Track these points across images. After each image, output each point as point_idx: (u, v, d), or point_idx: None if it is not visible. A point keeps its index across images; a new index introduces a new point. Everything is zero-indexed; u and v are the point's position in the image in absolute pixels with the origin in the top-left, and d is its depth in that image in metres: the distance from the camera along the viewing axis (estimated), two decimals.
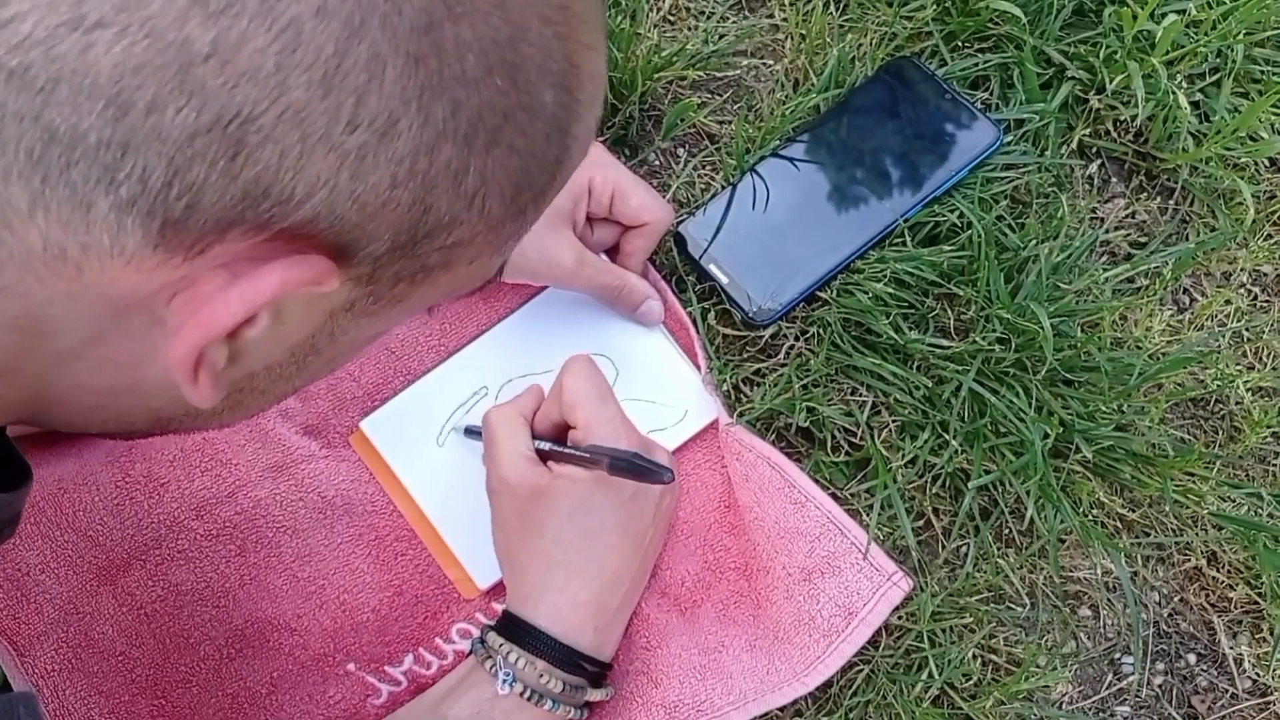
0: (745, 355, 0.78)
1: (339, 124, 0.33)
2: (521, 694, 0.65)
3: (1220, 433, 0.79)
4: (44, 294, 0.35)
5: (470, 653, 0.69)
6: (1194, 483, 0.76)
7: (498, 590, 0.75)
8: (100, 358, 0.39)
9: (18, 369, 0.39)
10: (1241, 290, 0.83)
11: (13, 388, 0.40)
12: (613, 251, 0.79)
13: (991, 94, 0.84)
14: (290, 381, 0.44)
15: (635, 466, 0.66)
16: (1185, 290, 0.83)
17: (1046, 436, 0.73)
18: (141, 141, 0.32)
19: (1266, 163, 0.85)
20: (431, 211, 0.37)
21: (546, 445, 0.70)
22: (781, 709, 0.71)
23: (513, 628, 0.68)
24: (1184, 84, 0.82)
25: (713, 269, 0.79)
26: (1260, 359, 0.81)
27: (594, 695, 0.69)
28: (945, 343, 0.75)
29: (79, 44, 0.31)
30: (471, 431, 0.76)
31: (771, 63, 0.86)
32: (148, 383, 0.40)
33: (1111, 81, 0.82)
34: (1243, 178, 0.82)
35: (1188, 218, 0.84)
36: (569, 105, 0.39)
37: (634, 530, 0.70)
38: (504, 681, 0.66)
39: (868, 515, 0.74)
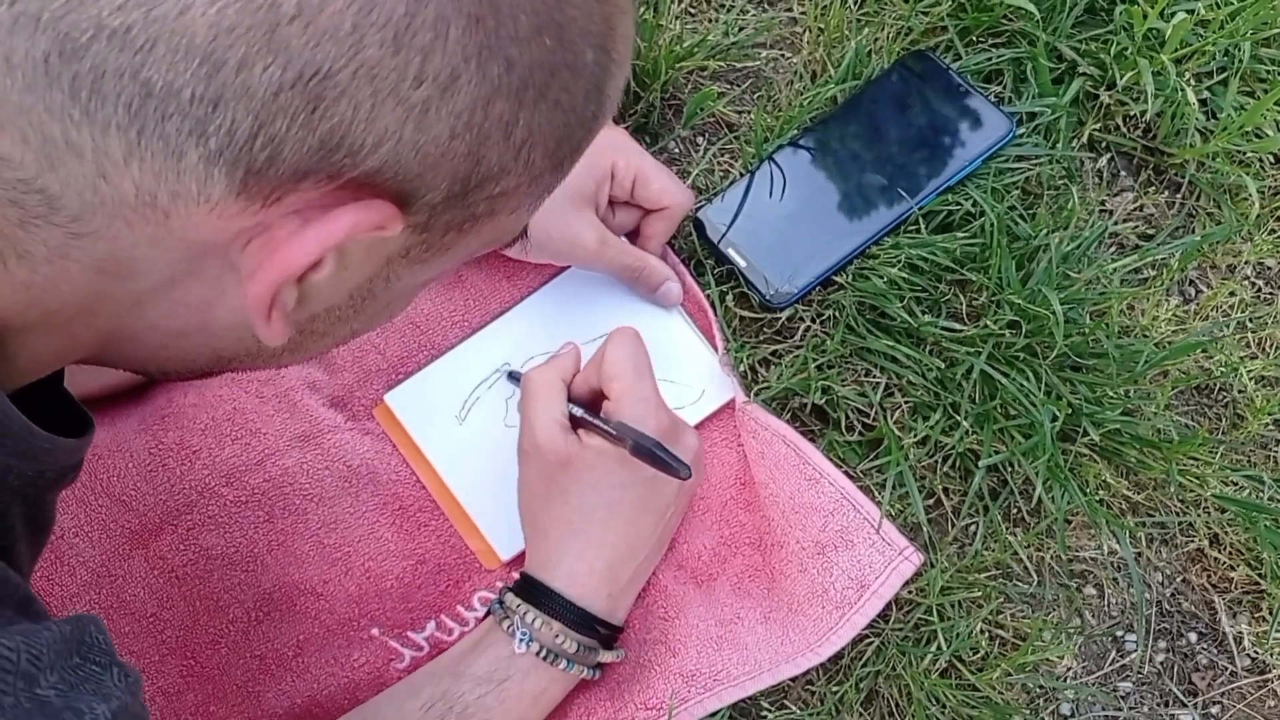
0: (762, 337, 0.80)
1: (407, 80, 0.35)
2: (538, 653, 0.67)
3: (1223, 419, 0.81)
4: (131, 239, 0.38)
5: (488, 613, 0.71)
6: (1197, 466, 0.78)
7: (519, 561, 0.76)
8: (174, 300, 0.41)
9: (96, 310, 0.41)
10: (1246, 282, 0.85)
11: (89, 328, 0.42)
12: (633, 234, 0.81)
13: (1004, 88, 0.86)
14: (348, 324, 0.47)
15: (655, 457, 0.67)
16: (1191, 281, 0.85)
17: (1055, 419, 0.75)
18: (231, 97, 0.34)
19: (1272, 158, 0.87)
20: (484, 162, 0.39)
21: (579, 412, 0.71)
22: (794, 679, 0.73)
23: (530, 589, 0.70)
24: (1192, 81, 0.85)
25: (731, 253, 0.81)
26: (1263, 349, 0.83)
27: (606, 656, 0.71)
28: (957, 326, 0.78)
29: (177, 6, 0.33)
30: (515, 376, 0.78)
31: (790, 55, 0.88)
32: (215, 324, 0.43)
33: (1122, 78, 0.84)
34: (1248, 173, 0.84)
35: (1194, 211, 0.86)
36: (605, 64, 0.41)
37: (654, 507, 0.72)
38: (521, 640, 0.67)
39: (880, 493, 0.76)
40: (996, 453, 0.76)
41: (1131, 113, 0.85)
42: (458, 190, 0.40)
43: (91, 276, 0.39)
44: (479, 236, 0.44)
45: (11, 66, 0.34)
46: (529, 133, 0.39)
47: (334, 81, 0.35)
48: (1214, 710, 0.76)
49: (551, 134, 0.40)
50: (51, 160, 0.36)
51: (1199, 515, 0.78)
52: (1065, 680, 0.76)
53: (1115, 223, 0.84)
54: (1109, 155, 0.86)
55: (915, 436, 0.77)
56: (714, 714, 0.72)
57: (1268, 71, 0.87)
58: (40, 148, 0.35)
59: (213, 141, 0.35)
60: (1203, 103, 0.86)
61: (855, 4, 0.88)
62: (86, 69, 0.34)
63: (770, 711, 0.73)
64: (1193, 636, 0.77)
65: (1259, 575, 0.77)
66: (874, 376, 0.78)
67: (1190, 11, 0.84)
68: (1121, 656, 0.76)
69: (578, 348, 0.76)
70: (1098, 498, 0.78)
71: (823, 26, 0.87)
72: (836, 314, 0.79)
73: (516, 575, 0.76)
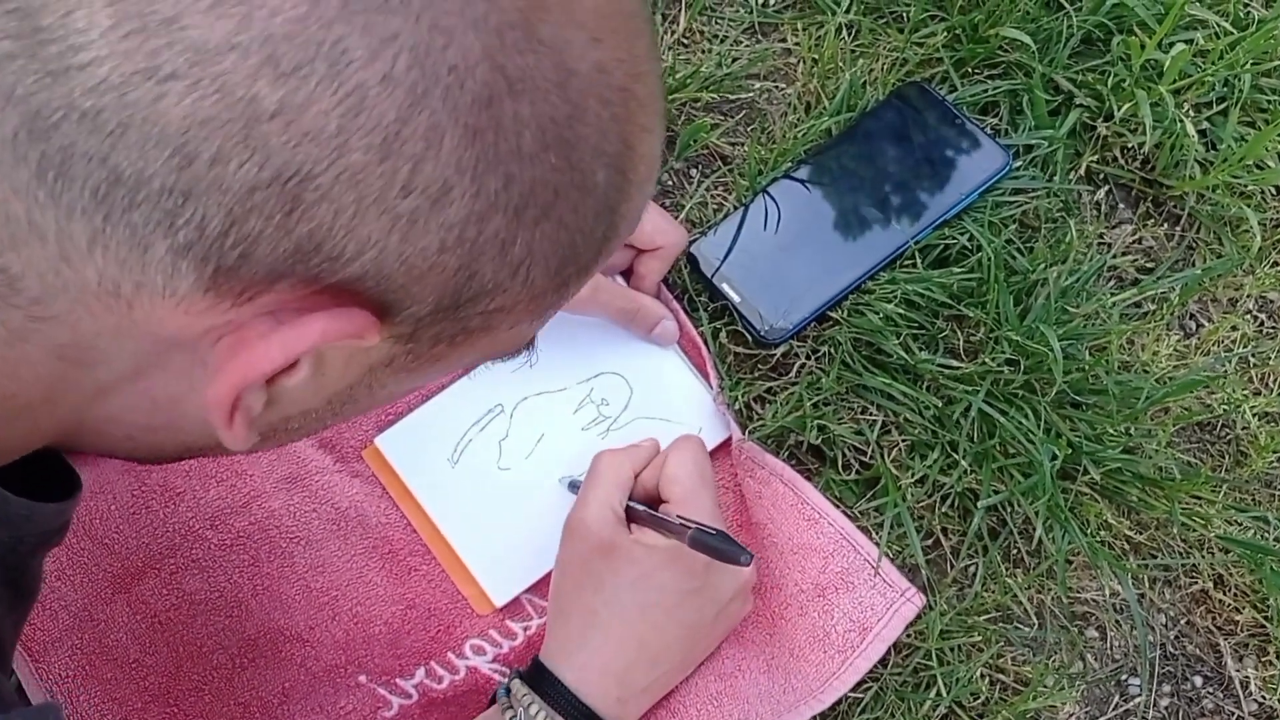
0: (757, 373, 0.79)
1: (394, 188, 0.34)
2: None
3: (1227, 457, 0.80)
4: (93, 327, 0.36)
5: (494, 700, 0.69)
6: (1201, 506, 0.77)
7: (512, 607, 0.75)
8: (139, 393, 0.40)
9: (57, 399, 0.39)
10: (1248, 316, 0.83)
11: (51, 417, 0.40)
12: (626, 273, 0.80)
13: (1001, 120, 0.85)
14: (323, 422, 0.45)
15: (713, 548, 0.64)
16: (1192, 316, 0.84)
17: (1055, 458, 0.73)
18: (203, 191, 0.33)
19: (1273, 190, 0.86)
20: (476, 278, 0.37)
21: (641, 508, 0.70)
22: None
23: (539, 678, 0.67)
24: (1191, 112, 0.84)
25: (725, 288, 0.79)
26: (1266, 384, 0.82)
27: None
28: (955, 363, 0.76)
29: (152, 93, 0.31)
30: (576, 486, 0.75)
31: (784, 86, 0.87)
32: (183, 420, 0.41)
33: (1119, 109, 0.83)
34: (1249, 205, 0.83)
35: (1194, 244, 0.85)
36: (620, 185, 0.39)
37: (687, 621, 0.69)
38: None
39: (877, 534, 0.74)
40: (996, 492, 0.75)
41: (1130, 144, 0.84)
42: (447, 304, 0.38)
43: (53, 363, 0.38)
44: (474, 349, 0.41)
45: None
46: (528, 251, 0.37)
47: (314, 184, 0.33)
48: None
49: (554, 254, 0.38)
50: (14, 239, 0.34)
51: (1203, 556, 0.77)
52: None
53: (1114, 256, 0.83)
54: (1107, 188, 0.85)
55: (913, 476, 0.75)
56: None
57: (1268, 102, 0.86)
58: (3, 226, 0.34)
59: (182, 235, 0.33)
60: (1202, 134, 0.85)
61: (850, 35, 0.88)
62: (55, 149, 0.32)
63: None
64: (1198, 680, 0.76)
65: (1265, 618, 0.75)
66: (870, 414, 0.77)
67: (1189, 42, 0.83)
68: (1125, 701, 0.75)
69: (657, 443, 0.75)
70: (1099, 538, 0.76)
71: (817, 58, 0.86)
72: (832, 350, 0.78)
73: (510, 624, 0.75)
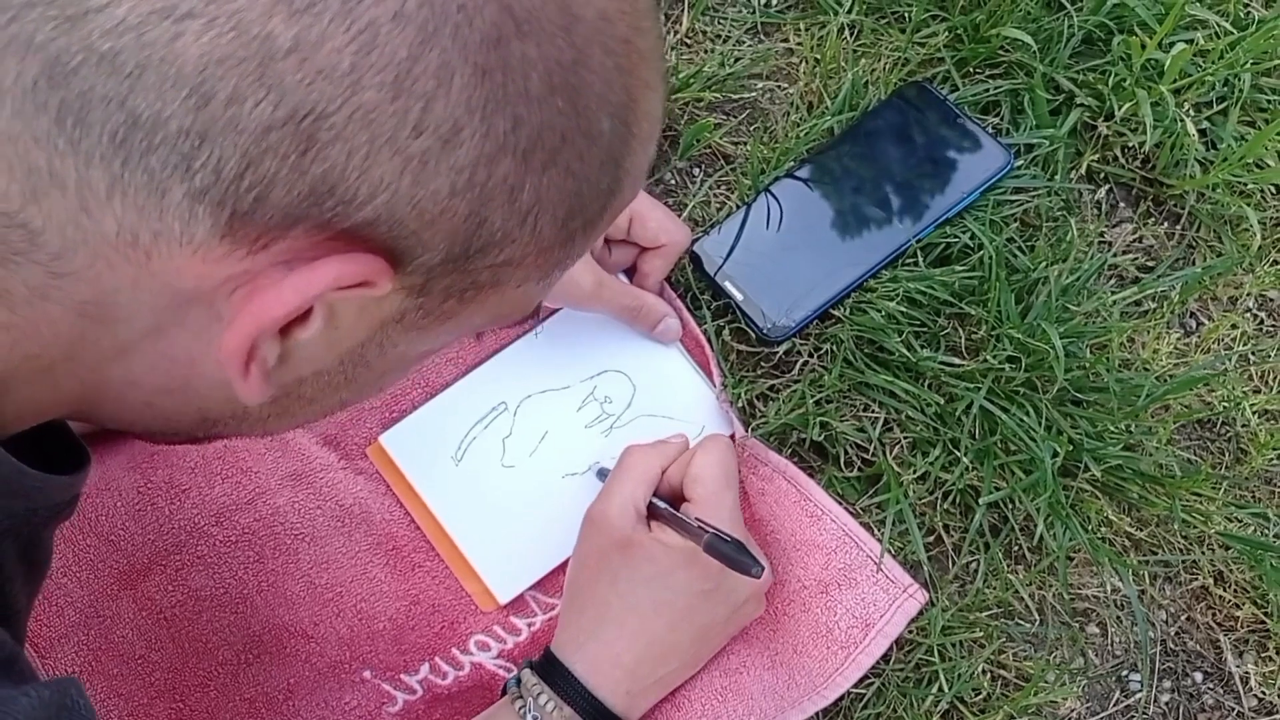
0: (759, 371, 0.79)
1: (406, 127, 0.34)
2: None
3: (1227, 454, 0.80)
4: (112, 281, 0.37)
5: (505, 690, 0.69)
6: (1201, 503, 0.77)
7: (516, 604, 0.75)
8: (157, 353, 0.40)
9: (78, 358, 0.40)
10: (1248, 315, 0.84)
11: (71, 377, 0.41)
12: (630, 271, 0.80)
13: (1002, 119, 0.85)
14: (339, 393, 0.45)
15: (727, 556, 0.64)
16: (1192, 314, 0.84)
17: (1056, 455, 0.74)
18: (219, 132, 0.33)
19: (1273, 189, 0.86)
20: (486, 225, 0.38)
21: (661, 505, 0.70)
22: None
23: (550, 669, 0.67)
24: (1191, 112, 0.84)
25: (728, 286, 0.80)
26: (1266, 382, 0.82)
27: None
28: (956, 361, 0.77)
29: (169, 32, 0.32)
30: (605, 474, 0.75)
31: (786, 86, 0.88)
32: (200, 381, 0.41)
33: (1120, 109, 0.83)
34: (1249, 204, 0.83)
35: (1194, 243, 0.85)
36: (624, 137, 0.40)
37: (700, 621, 0.69)
38: None
39: (880, 530, 0.75)
40: (997, 489, 0.75)
41: (1130, 144, 0.85)
42: (458, 253, 0.38)
43: (73, 320, 0.38)
44: (483, 308, 0.42)
45: (1, 92, 0.33)
46: (536, 198, 0.38)
47: (328, 123, 0.33)
48: None
49: (561, 203, 0.39)
50: (35, 192, 0.35)
51: (1203, 553, 0.77)
52: None
53: (1114, 255, 0.84)
54: (1108, 187, 0.86)
55: (915, 473, 0.76)
56: None
57: (1268, 101, 0.86)
58: (25, 178, 0.34)
59: (198, 179, 0.34)
60: (1202, 133, 0.85)
61: (852, 35, 0.88)
62: (74, 95, 0.33)
63: None
64: (1198, 676, 0.76)
65: (1265, 614, 0.76)
66: (872, 412, 0.77)
67: (1189, 42, 0.84)
68: (1126, 697, 0.75)
69: (686, 438, 0.75)
70: (1100, 535, 0.77)
71: (819, 57, 0.87)
72: (834, 348, 0.78)
73: (515, 620, 0.75)
